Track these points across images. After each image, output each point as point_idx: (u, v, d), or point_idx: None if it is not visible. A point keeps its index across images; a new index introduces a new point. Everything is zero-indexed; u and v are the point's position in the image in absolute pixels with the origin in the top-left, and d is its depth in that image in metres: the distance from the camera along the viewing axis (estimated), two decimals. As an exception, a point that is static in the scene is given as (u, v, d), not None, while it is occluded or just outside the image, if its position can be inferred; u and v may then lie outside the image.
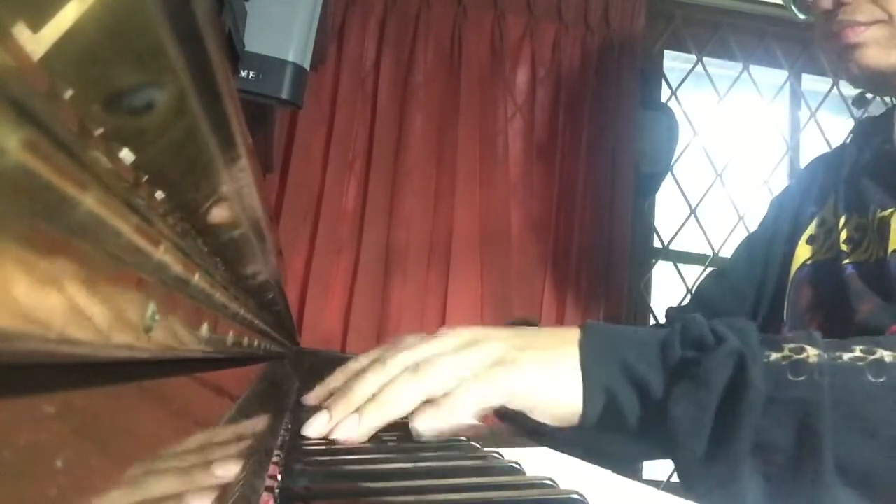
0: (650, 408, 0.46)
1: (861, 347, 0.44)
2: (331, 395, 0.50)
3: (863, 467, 0.42)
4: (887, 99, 0.83)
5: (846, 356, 0.44)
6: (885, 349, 0.44)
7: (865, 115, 0.81)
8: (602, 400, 0.47)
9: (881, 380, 0.42)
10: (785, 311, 0.76)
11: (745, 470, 0.43)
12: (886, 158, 0.71)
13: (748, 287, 0.84)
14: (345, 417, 0.44)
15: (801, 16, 0.74)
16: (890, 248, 0.64)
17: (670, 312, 0.91)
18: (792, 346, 0.45)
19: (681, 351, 0.46)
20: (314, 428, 0.44)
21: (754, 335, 0.46)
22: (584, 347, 0.48)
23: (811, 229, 0.78)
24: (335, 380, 0.55)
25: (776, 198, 0.89)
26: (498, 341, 0.48)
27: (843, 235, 0.72)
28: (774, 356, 0.44)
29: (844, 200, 0.74)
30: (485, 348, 0.47)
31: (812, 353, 0.44)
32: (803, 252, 0.77)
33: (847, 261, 0.70)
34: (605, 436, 0.48)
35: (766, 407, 0.43)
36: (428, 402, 0.44)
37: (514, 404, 0.46)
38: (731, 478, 0.43)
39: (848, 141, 0.83)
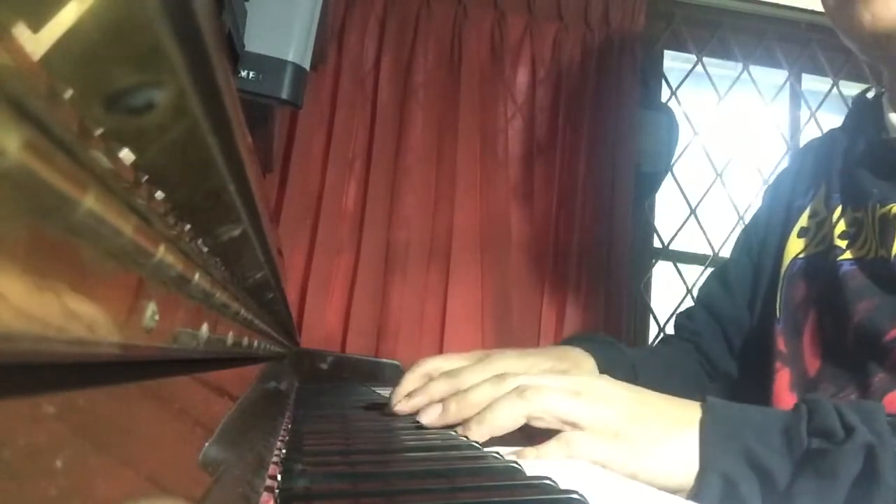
0: (772, 497, 0.45)
1: None
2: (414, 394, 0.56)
3: None
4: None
5: None
6: None
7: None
8: (720, 485, 0.45)
9: None
10: (777, 307, 0.74)
11: None
12: (883, 148, 0.68)
13: (748, 281, 0.83)
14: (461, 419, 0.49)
15: None
16: (894, 252, 0.62)
17: (679, 319, 0.89)
18: None
19: (807, 439, 0.45)
20: (429, 416, 0.50)
21: (884, 422, 0.45)
22: (705, 430, 0.46)
23: (802, 221, 0.76)
24: (436, 367, 0.59)
25: (769, 187, 0.88)
26: (611, 406, 0.47)
27: (838, 230, 0.70)
28: None
29: (838, 192, 0.72)
30: (596, 409, 0.47)
31: None
32: (795, 245, 0.76)
33: (842, 257, 0.68)
34: None
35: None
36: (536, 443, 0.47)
37: (614, 470, 0.45)
38: None
39: (839, 127, 0.79)
